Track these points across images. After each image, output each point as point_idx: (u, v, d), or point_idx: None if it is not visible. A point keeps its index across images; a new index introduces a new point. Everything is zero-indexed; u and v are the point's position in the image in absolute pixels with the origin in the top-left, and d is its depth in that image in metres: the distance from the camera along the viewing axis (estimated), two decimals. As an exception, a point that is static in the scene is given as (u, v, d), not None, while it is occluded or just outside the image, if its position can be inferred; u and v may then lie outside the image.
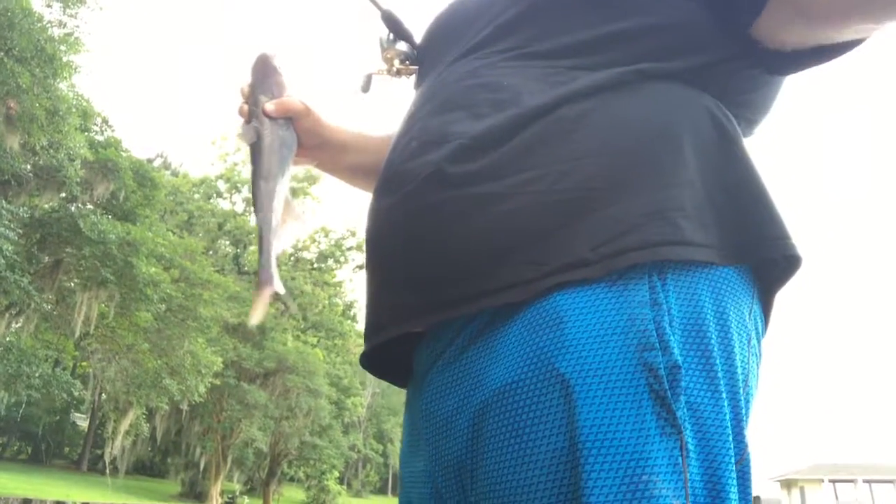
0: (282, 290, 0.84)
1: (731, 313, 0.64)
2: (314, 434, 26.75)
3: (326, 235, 35.92)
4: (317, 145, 0.97)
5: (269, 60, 0.93)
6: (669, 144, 0.68)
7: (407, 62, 0.94)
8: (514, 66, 0.77)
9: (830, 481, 39.13)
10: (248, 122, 0.90)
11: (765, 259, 0.68)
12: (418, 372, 0.78)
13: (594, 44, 0.74)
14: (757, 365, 0.69)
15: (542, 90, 0.72)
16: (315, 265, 36.04)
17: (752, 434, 0.65)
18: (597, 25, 0.75)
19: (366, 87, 0.95)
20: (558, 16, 0.78)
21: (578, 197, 0.65)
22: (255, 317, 0.84)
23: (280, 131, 0.90)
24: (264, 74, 0.92)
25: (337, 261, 35.76)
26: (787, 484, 41.96)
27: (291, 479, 33.00)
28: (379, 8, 0.93)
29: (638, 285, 0.62)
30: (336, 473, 31.18)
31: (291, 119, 0.92)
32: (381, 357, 0.83)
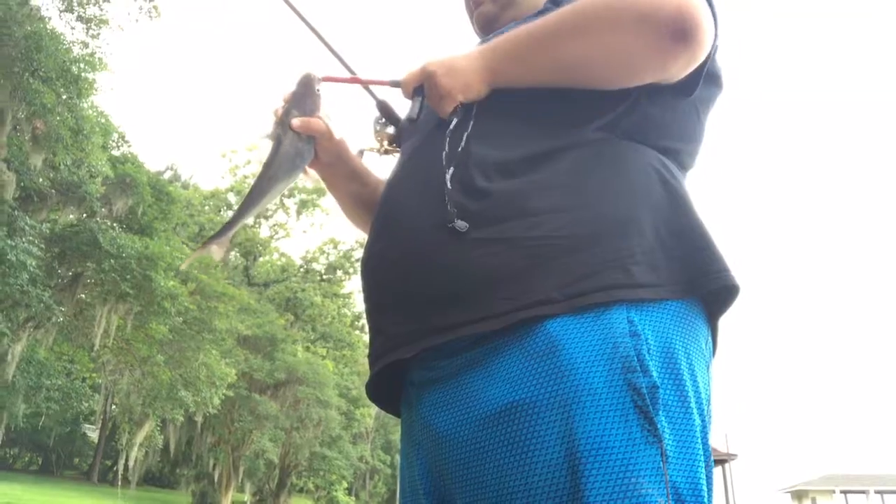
0: (217, 256, 1.01)
1: (692, 342, 0.77)
2: (324, 445, 26.69)
3: (335, 247, 35.98)
4: (330, 163, 1.08)
5: (312, 80, 1.01)
6: (623, 202, 0.80)
7: (394, 144, 1.06)
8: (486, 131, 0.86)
9: (842, 492, 38.73)
10: (276, 126, 1.00)
11: (710, 290, 0.78)
12: (412, 393, 0.87)
13: (558, 115, 0.85)
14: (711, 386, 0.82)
15: (514, 150, 0.83)
16: (324, 276, 36.11)
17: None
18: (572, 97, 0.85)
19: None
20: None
21: (547, 245, 0.75)
22: (185, 264, 1.06)
23: (298, 143, 1.00)
24: (305, 91, 1.00)
25: (346, 272, 35.76)
26: (799, 495, 41.54)
27: (301, 490, 32.92)
28: (374, 97, 1.05)
29: (618, 319, 0.72)
30: (345, 484, 31.09)
31: (314, 137, 1.02)
32: (382, 387, 0.93)
